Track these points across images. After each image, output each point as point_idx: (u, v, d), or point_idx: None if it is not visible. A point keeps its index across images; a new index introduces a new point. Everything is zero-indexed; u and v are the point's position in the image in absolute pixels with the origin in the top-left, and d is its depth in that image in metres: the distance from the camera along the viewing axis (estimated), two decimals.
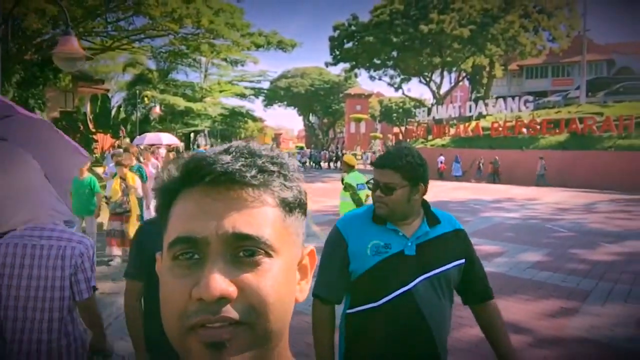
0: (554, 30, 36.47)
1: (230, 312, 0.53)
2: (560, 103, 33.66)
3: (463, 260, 1.93)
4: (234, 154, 0.58)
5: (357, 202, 6.49)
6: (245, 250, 0.55)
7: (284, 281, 0.57)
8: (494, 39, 30.79)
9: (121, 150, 8.88)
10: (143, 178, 6.91)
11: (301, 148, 62.65)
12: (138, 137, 11.74)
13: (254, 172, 0.57)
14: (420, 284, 1.82)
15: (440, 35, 30.22)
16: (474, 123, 30.65)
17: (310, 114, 71.37)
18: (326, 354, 1.93)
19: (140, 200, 6.81)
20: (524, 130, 27.73)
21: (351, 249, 1.88)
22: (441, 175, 28.17)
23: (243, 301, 0.53)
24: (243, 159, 0.57)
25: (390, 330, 1.84)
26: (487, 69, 36.88)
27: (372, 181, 1.93)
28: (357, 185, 6.57)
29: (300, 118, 76.21)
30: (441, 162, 28.66)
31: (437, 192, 17.26)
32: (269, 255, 0.56)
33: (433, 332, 1.83)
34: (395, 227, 1.87)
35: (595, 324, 4.84)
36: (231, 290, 0.53)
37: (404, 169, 1.83)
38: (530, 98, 30.55)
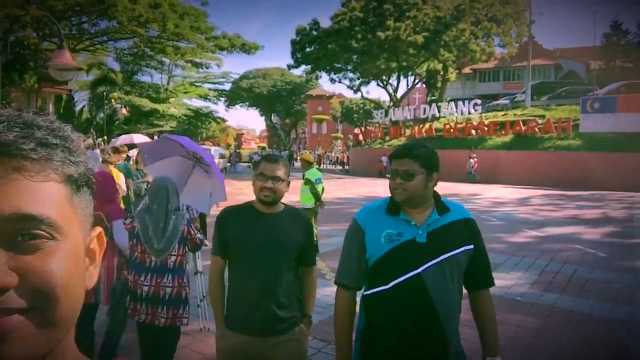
0: (504, 37, 38.77)
1: (13, 301, 0.46)
2: (508, 106, 35.72)
3: (472, 247, 2.04)
4: (5, 123, 0.50)
5: (315, 194, 7.71)
6: (26, 234, 0.47)
7: (72, 266, 0.51)
8: (446, 46, 32.68)
9: (97, 151, 9.72)
10: (130, 175, 7.85)
11: (263, 148, 63.41)
12: (113, 138, 12.53)
13: (32, 144, 0.49)
14: (429, 269, 1.94)
15: (396, 42, 31.85)
16: (428, 125, 32.33)
17: (273, 115, 72.10)
18: (345, 338, 2.10)
19: (126, 197, 7.74)
20: (474, 131, 29.63)
21: (368, 238, 2.03)
22: (382, 174, 30.23)
23: (27, 287, 0.47)
24: (18, 130, 0.49)
25: (399, 310, 1.96)
26: (442, 73, 38.79)
27: (390, 172, 2.07)
28: (315, 180, 7.79)
29: (263, 119, 77.04)
30: (382, 162, 30.81)
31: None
32: (53, 237, 0.49)
33: (439, 313, 1.93)
34: (407, 218, 2.01)
35: (498, 284, 6.21)
36: (9, 280, 0.46)
37: (421, 158, 1.98)
38: (479, 102, 32.45)
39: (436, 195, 2.07)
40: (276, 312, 2.39)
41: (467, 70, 48.49)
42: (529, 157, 25.63)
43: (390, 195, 2.07)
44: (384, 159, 31.10)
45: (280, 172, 2.41)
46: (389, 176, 2.06)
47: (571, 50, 54.45)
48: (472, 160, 25.74)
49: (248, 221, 2.45)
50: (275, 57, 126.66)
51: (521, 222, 11.49)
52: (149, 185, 3.97)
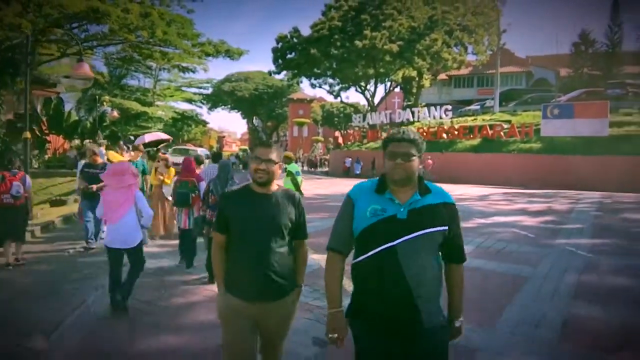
0: (476, 45, 40.84)
1: None
2: (478, 111, 37.77)
3: (446, 228, 2.25)
4: None
5: (295, 184, 9.29)
6: None
7: None
8: (420, 54, 34.59)
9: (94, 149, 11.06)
10: (145, 171, 9.17)
11: (244, 150, 64.54)
12: (139, 137, 13.58)
13: None
14: (404, 242, 2.16)
15: (373, 50, 33.65)
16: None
17: (254, 118, 73.09)
18: (334, 294, 2.34)
19: (142, 188, 9.07)
20: (445, 135, 31.52)
21: (356, 211, 2.28)
22: (347, 173, 33.52)
23: None
24: None
25: (377, 277, 2.19)
26: (416, 79, 40.69)
27: (389, 152, 2.25)
28: (295, 172, 9.40)
29: (244, 121, 78.05)
30: (346, 163, 34.46)
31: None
32: None
33: (410, 284, 2.15)
34: (392, 196, 2.24)
35: None
36: None
37: (416, 142, 2.24)
38: (450, 107, 34.46)
39: (420, 178, 2.30)
40: (270, 280, 2.66)
41: (442, 76, 50.15)
42: (495, 159, 27.58)
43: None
44: (348, 160, 34.50)
45: (273, 155, 2.72)
46: (387, 158, 2.25)
47: (542, 58, 56.12)
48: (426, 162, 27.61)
49: (245, 200, 2.74)
50: (257, 60, 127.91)
51: (474, 213, 13.18)
52: (219, 164, 6.22)
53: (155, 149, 12.32)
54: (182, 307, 5.32)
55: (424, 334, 2.20)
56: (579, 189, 22.22)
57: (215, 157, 9.80)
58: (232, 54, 32.86)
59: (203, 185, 6.85)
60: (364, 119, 38.91)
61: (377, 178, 2.36)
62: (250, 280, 2.65)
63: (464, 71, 49.71)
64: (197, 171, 7.40)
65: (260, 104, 65.84)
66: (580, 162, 24.22)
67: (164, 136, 14.26)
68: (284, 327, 2.83)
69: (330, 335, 2.32)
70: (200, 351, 4.12)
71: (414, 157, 2.22)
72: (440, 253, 2.32)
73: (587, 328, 4.75)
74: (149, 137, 12.89)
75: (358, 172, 33.21)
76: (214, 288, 5.62)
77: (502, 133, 29.04)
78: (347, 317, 2.33)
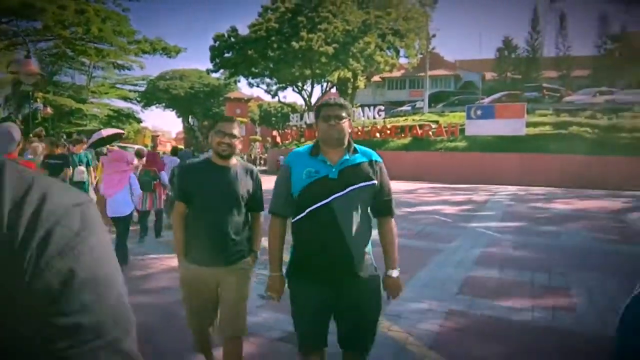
0: (407, 49, 42.76)
1: None
2: (409, 112, 39.68)
3: (374, 182, 2.47)
4: None
5: None
6: None
7: None
8: (354, 56, 35.94)
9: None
10: (89, 163, 9.52)
11: (180, 149, 63.43)
12: (96, 132, 13.65)
13: None
14: (337, 199, 2.38)
15: (309, 51, 34.65)
16: None
17: (190, 116, 72.04)
18: (276, 257, 2.58)
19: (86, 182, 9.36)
20: (377, 134, 33.04)
21: (293, 176, 2.47)
22: None
23: None
24: None
25: (315, 232, 2.41)
26: (351, 80, 42.11)
27: (323, 115, 2.44)
28: None
29: (180, 120, 76.78)
30: (278, 161, 34.45)
31: None
32: None
33: (345, 233, 2.37)
34: (324, 158, 2.44)
35: None
36: None
37: (345, 106, 2.47)
38: (383, 108, 36.02)
39: (349, 141, 2.49)
40: (227, 246, 2.87)
41: (376, 78, 52.01)
42: (424, 157, 29.26)
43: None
44: (281, 157, 35.39)
45: (235, 130, 2.92)
46: (321, 121, 2.45)
47: (469, 62, 58.90)
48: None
49: (206, 172, 2.92)
50: (194, 59, 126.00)
51: (402, 204, 14.35)
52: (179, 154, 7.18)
53: (107, 146, 12.57)
54: (147, 276, 6.02)
55: (357, 283, 2.43)
56: (499, 183, 24.19)
57: (175, 150, 11.28)
58: (169, 52, 32.93)
59: (164, 174, 8.15)
60: (301, 119, 39.73)
61: (311, 144, 2.55)
62: (208, 246, 2.84)
63: (396, 74, 51.52)
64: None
65: (196, 102, 64.90)
66: (501, 159, 26.29)
67: (119, 131, 14.57)
68: (242, 289, 2.96)
69: (269, 294, 2.61)
70: (168, 305, 4.85)
71: (345, 119, 2.43)
72: (369, 209, 2.55)
73: (483, 284, 5.88)
74: (105, 132, 13.15)
75: None
76: (171, 262, 6.35)
77: (430, 132, 30.81)
78: (286, 276, 2.57)
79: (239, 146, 2.94)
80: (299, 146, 32.00)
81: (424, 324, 4.42)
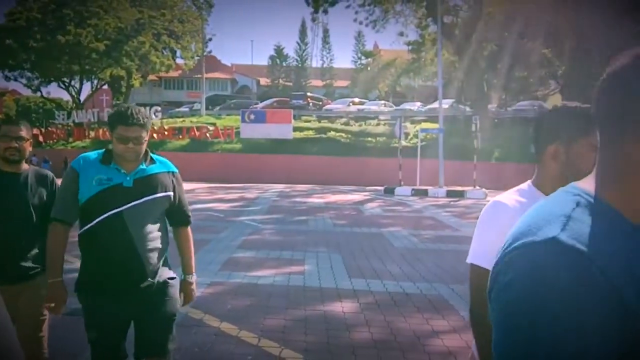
0: (183, 51, 43.28)
1: None
2: (187, 113, 40.25)
3: (171, 193, 2.45)
4: None
5: None
6: None
7: None
8: (128, 55, 35.20)
9: None
10: None
11: None
12: None
13: None
14: (130, 208, 2.28)
15: (77, 46, 32.82)
16: None
17: None
18: (57, 263, 2.39)
19: None
20: (155, 135, 32.92)
21: (81, 180, 2.31)
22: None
23: None
24: None
25: (103, 244, 2.30)
26: (125, 79, 40.87)
27: (120, 137, 2.26)
28: None
29: None
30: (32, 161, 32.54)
31: None
32: None
33: (137, 247, 2.28)
34: (118, 167, 2.32)
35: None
36: None
37: (146, 125, 2.31)
38: (160, 108, 36.03)
39: (146, 150, 2.39)
40: (23, 261, 2.64)
41: (153, 77, 51.10)
42: (202, 158, 30.29)
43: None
44: (34, 159, 33.05)
45: (23, 132, 2.65)
46: (118, 142, 2.26)
47: (245, 67, 61.31)
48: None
49: None
50: None
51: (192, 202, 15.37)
52: None
53: None
54: None
55: (152, 292, 2.36)
56: (270, 182, 26.65)
57: None
58: None
59: None
60: (69, 117, 37.10)
61: (102, 150, 2.42)
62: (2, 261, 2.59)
63: (174, 74, 51.19)
64: None
65: None
66: (272, 160, 28.94)
67: None
68: (37, 309, 2.66)
69: (47, 305, 2.41)
70: None
71: (144, 140, 2.31)
72: (166, 218, 2.53)
73: (240, 262, 7.34)
74: None
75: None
76: None
77: (207, 134, 32.04)
78: (76, 291, 2.38)
79: (29, 149, 2.73)
80: (66, 146, 30.07)
81: None
